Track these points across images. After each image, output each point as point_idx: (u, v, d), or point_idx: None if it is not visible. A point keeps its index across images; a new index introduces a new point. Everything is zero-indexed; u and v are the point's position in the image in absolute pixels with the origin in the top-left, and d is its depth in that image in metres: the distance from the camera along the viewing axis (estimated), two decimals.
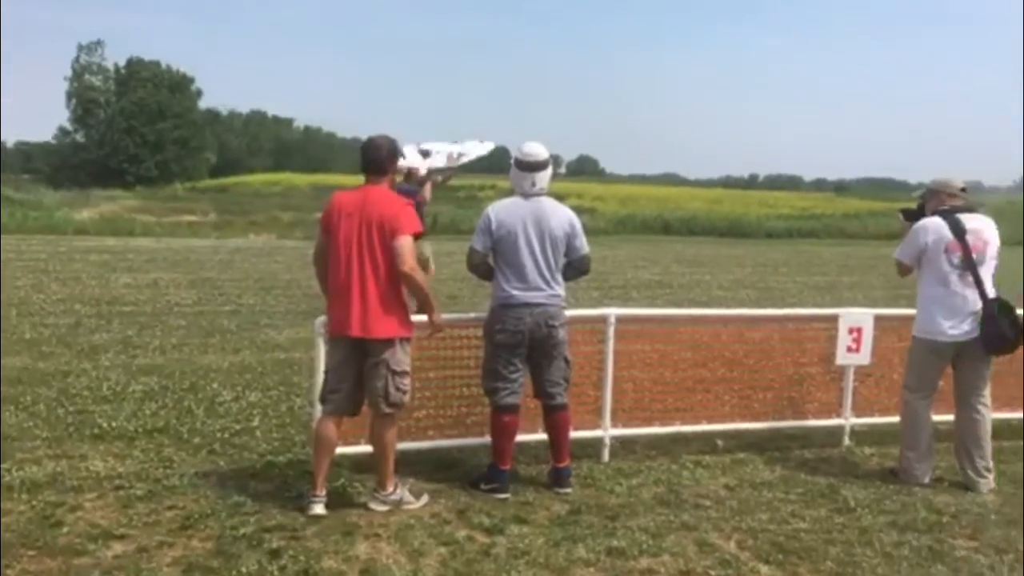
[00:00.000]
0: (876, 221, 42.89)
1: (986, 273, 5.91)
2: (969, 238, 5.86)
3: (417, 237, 5.16)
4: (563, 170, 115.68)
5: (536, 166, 5.56)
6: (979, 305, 5.85)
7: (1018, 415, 7.22)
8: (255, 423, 6.94)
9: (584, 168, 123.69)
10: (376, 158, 5.24)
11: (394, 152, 5.33)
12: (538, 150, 5.60)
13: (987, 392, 6.11)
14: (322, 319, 5.41)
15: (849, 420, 7.01)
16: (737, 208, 49.59)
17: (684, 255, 26.14)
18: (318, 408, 5.38)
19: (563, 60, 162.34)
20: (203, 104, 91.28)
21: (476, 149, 11.47)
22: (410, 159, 9.24)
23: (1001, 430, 6.77)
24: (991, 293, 5.89)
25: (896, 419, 6.44)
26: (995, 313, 5.81)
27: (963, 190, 6.12)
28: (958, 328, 5.90)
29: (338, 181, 52.72)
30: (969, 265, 5.85)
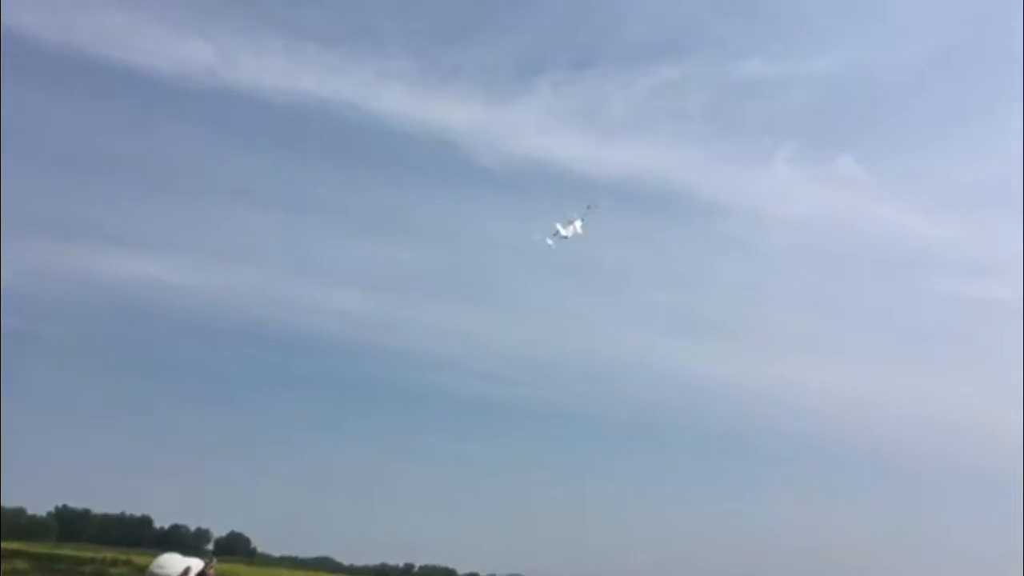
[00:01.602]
0: None
1: None
2: None
3: None
4: (211, 546, 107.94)
5: None
6: None
7: None
8: None
9: (234, 546, 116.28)
10: None
11: None
12: (170, 569, 5.14)
13: None
14: None
15: None
16: None
17: None
18: None
19: (216, 426, 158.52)
20: None
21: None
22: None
23: None
24: None
25: None
26: None
27: None
28: None
29: None
30: None
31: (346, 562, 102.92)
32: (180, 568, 5.00)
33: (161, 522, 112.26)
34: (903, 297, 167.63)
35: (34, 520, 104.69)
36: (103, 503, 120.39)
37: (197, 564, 5.15)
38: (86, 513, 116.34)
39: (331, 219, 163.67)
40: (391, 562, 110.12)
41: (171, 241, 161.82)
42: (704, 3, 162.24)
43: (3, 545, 43.21)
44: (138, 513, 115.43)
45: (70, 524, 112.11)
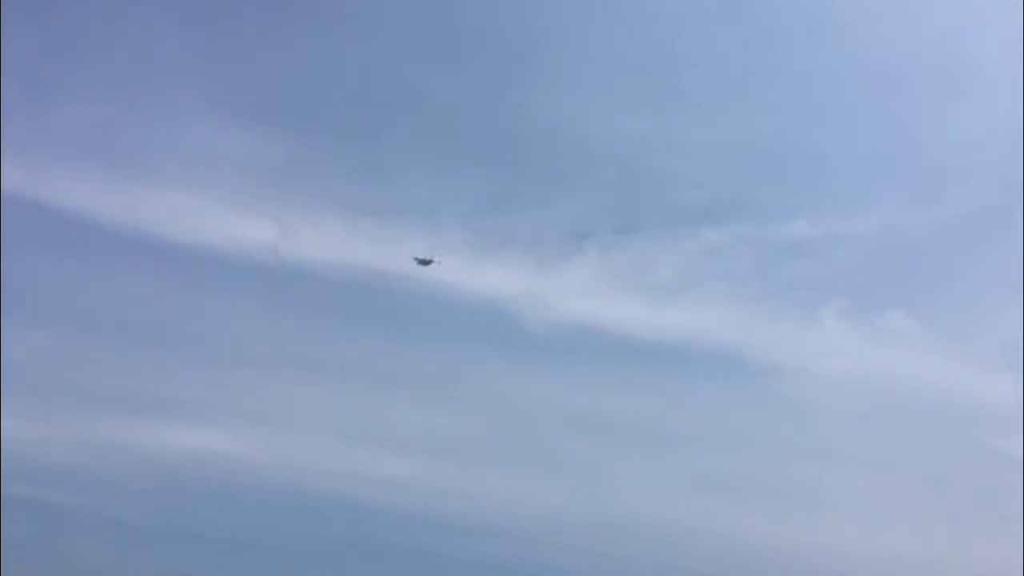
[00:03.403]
0: None
1: None
2: None
3: None
4: None
5: None
6: None
7: None
8: None
9: None
10: None
11: None
12: None
13: None
14: None
15: None
16: None
17: None
18: None
19: None
20: None
21: None
22: None
23: None
24: None
25: None
26: None
27: None
28: None
29: None
30: None
31: None
32: None
33: None
34: (962, 456, 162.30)
35: None
36: None
37: None
38: None
39: (382, 388, 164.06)
40: None
41: (225, 413, 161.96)
42: (745, 170, 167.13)
43: None
44: None
45: None
